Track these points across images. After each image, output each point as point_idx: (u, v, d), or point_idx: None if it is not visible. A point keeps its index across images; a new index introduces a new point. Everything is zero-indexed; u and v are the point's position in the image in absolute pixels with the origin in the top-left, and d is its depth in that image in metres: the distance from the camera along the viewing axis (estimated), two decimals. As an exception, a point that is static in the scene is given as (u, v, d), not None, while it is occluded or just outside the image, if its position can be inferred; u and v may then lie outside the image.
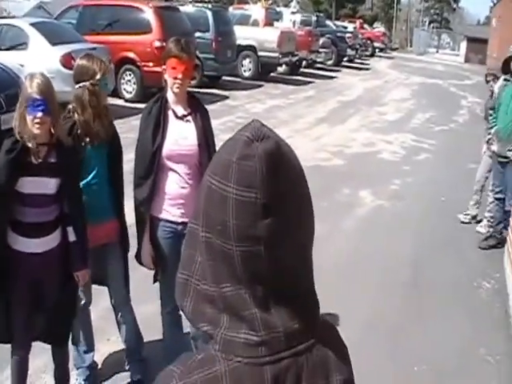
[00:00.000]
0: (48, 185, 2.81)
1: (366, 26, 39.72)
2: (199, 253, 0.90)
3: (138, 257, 3.28)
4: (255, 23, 18.88)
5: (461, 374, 3.94)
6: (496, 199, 6.05)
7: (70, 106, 3.08)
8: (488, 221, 6.38)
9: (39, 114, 2.66)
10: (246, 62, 18.11)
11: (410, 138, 11.74)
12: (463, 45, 47.18)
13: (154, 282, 3.34)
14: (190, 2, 17.94)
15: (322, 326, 0.97)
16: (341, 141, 11.00)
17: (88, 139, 3.06)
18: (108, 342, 3.86)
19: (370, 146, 10.91)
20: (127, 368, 3.55)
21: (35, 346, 3.11)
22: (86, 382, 3.47)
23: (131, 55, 12.58)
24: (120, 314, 3.45)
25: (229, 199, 0.83)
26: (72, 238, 2.95)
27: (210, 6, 17.61)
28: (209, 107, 3.48)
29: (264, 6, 21.78)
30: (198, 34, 14.45)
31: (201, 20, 15.53)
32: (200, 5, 17.80)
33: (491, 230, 6.23)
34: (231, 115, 12.10)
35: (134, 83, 12.75)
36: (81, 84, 3.04)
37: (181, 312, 3.29)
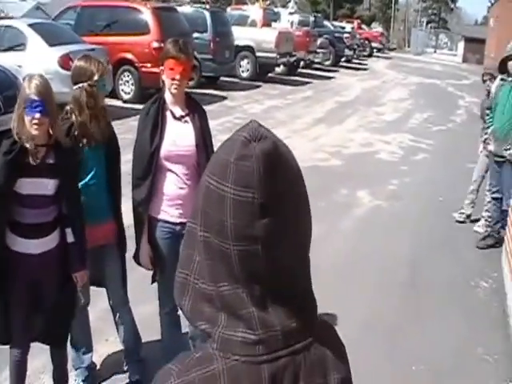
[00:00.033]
0: (47, 186, 2.82)
1: (363, 26, 39.77)
2: (197, 252, 0.91)
3: (136, 257, 3.29)
4: (253, 24, 18.90)
5: (459, 374, 3.95)
6: (493, 199, 6.06)
7: (68, 107, 3.09)
8: (486, 220, 6.40)
9: (37, 115, 2.66)
10: (244, 62, 18.12)
11: (408, 138, 11.75)
12: (461, 45, 47.27)
13: (153, 282, 3.35)
14: (188, 3, 17.95)
15: (320, 325, 0.98)
16: (339, 141, 11.01)
17: (85, 140, 3.07)
18: (106, 342, 3.87)
19: (368, 146, 10.92)
20: (125, 368, 3.55)
21: (34, 346, 3.11)
22: (85, 382, 3.47)
23: (129, 56, 12.59)
24: (118, 314, 3.46)
25: (226, 199, 0.84)
26: (70, 239, 2.95)
27: (207, 6, 17.65)
28: (207, 108, 3.49)
29: (262, 6, 21.79)
30: (195, 35, 14.46)
31: (199, 21, 15.55)
32: (198, 5, 17.84)
33: (489, 229, 6.25)
34: (229, 116, 12.10)
35: (132, 84, 12.75)
36: (79, 85, 3.04)
37: (179, 312, 3.32)
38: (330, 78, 21.98)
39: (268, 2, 32.30)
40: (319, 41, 23.28)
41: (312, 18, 25.49)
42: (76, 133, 3.04)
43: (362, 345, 3.82)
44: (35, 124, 2.68)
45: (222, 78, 16.91)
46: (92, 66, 3.05)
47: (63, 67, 9.66)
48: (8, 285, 2.87)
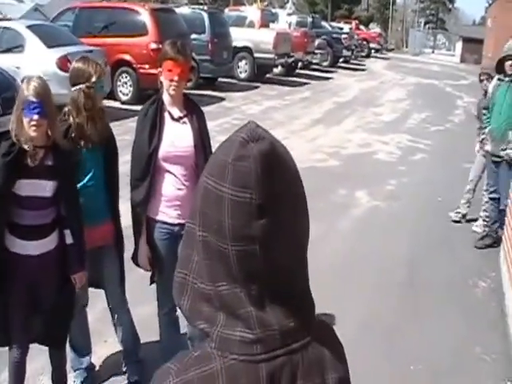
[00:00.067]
0: (45, 187, 2.82)
1: (361, 26, 39.78)
2: (196, 252, 0.92)
3: (134, 258, 3.29)
4: (251, 25, 18.91)
5: (457, 373, 3.96)
6: (491, 199, 6.08)
7: (66, 109, 3.09)
8: (484, 220, 6.41)
9: (35, 117, 2.67)
10: (242, 63, 18.13)
11: (406, 139, 11.77)
12: (459, 45, 47.33)
13: (151, 283, 3.35)
14: (186, 4, 17.96)
15: (318, 325, 0.98)
16: (336, 142, 11.02)
17: (82, 142, 3.07)
18: (105, 343, 3.87)
19: (366, 146, 10.93)
20: (124, 370, 3.56)
21: (33, 348, 3.11)
22: (84, 383, 3.48)
23: (127, 57, 12.59)
24: (116, 316, 3.46)
25: (224, 199, 0.85)
26: (69, 240, 2.96)
27: (205, 7, 17.66)
28: (205, 109, 3.50)
29: (260, 7, 21.82)
30: (193, 36, 14.47)
31: (197, 22, 15.56)
32: (196, 7, 17.86)
33: (487, 229, 6.27)
34: (227, 117, 12.11)
35: (130, 85, 12.76)
36: (76, 87, 3.05)
37: (178, 313, 3.32)
38: (327, 78, 21.99)
39: (266, 3, 32.30)
40: (317, 42, 23.28)
41: (310, 19, 25.53)
42: (73, 134, 3.05)
43: (360, 345, 3.83)
44: (33, 125, 2.69)
45: (220, 79, 16.92)
46: (90, 68, 3.06)
47: (61, 69, 9.65)
48: (7, 286, 2.87)
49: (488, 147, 6.03)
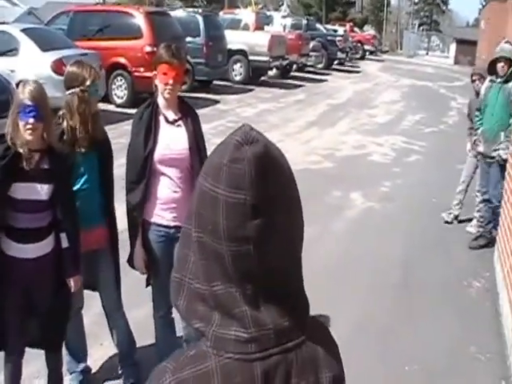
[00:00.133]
0: (41, 191, 2.83)
1: (356, 29, 39.85)
2: (192, 252, 0.94)
3: (130, 261, 3.30)
4: (246, 27, 18.95)
5: (452, 373, 3.98)
6: (484, 200, 6.11)
7: (61, 113, 3.10)
8: (478, 221, 6.44)
9: (31, 120, 2.68)
10: (237, 66, 18.15)
11: (400, 140, 11.81)
12: (453, 47, 47.41)
13: (147, 285, 3.36)
14: (181, 7, 17.97)
15: (313, 324, 1.00)
16: (331, 144, 11.05)
17: (77, 145, 3.08)
18: (101, 346, 3.87)
19: (361, 148, 10.96)
20: (120, 372, 3.56)
21: (28, 351, 3.12)
22: (80, 386, 3.48)
23: (122, 60, 12.59)
24: (112, 319, 3.46)
25: (219, 200, 0.87)
26: (65, 243, 2.96)
27: (200, 10, 17.67)
28: (200, 112, 3.52)
29: (254, 10, 21.85)
30: (188, 39, 14.48)
31: (191, 25, 15.57)
32: (191, 10, 17.86)
33: (481, 229, 6.29)
34: (222, 119, 12.12)
35: (125, 88, 12.76)
36: (71, 90, 3.06)
37: (173, 315, 3.33)
38: (322, 80, 22.03)
39: (260, 6, 32.37)
40: (312, 44, 23.34)
41: (304, 21, 25.56)
42: (66, 137, 3.05)
43: (354, 346, 3.85)
44: (29, 129, 2.69)
45: (215, 82, 16.94)
46: (84, 72, 3.07)
47: (56, 72, 9.65)
48: (3, 289, 2.87)
49: (480, 148, 6.06)
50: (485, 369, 4.05)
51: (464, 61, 39.37)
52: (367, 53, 36.60)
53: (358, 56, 33.13)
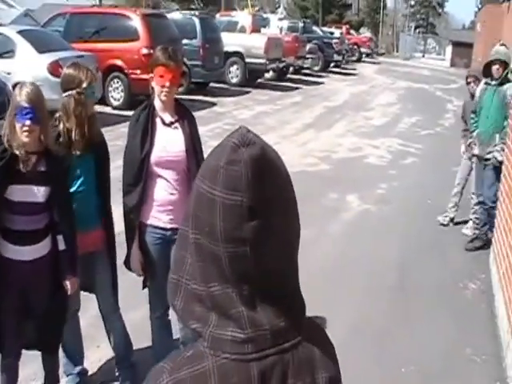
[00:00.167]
0: (37, 193, 2.83)
1: (352, 31, 39.90)
2: (189, 254, 0.94)
3: (127, 263, 3.30)
4: (242, 30, 18.96)
5: (448, 375, 3.99)
6: (480, 202, 6.13)
7: (57, 115, 3.11)
8: (473, 223, 6.46)
9: (27, 122, 2.68)
10: (234, 68, 18.16)
11: (397, 143, 11.83)
12: (449, 49, 47.55)
13: (144, 287, 3.37)
14: (178, 9, 17.98)
15: (309, 325, 1.01)
16: (327, 146, 11.07)
17: (72, 148, 3.08)
18: (98, 348, 3.87)
19: (357, 150, 10.98)
20: (117, 374, 3.56)
21: (25, 353, 3.12)
22: (76, 388, 3.48)
23: (119, 63, 12.59)
24: (108, 321, 3.46)
25: (216, 202, 0.88)
26: (62, 246, 2.96)
27: (197, 12, 17.68)
28: (196, 114, 3.52)
29: (251, 12, 21.88)
30: (185, 41, 14.49)
31: (188, 27, 15.58)
32: (187, 12, 17.87)
33: (477, 231, 6.32)
34: (219, 122, 12.13)
35: (122, 91, 12.75)
36: (68, 93, 3.07)
37: (170, 317, 3.34)
38: (319, 83, 22.06)
39: (257, 8, 32.41)
40: (308, 46, 23.38)
41: (301, 24, 25.61)
42: (64, 140, 3.05)
43: (351, 348, 3.86)
44: (26, 131, 2.70)
45: (212, 84, 16.94)
46: (81, 74, 3.07)
47: (53, 74, 9.64)
48: (-1, 291, 2.88)
49: (476, 151, 6.09)
50: (480, 370, 4.06)
51: (460, 63, 39.48)
52: (363, 55, 36.67)
53: (354, 58, 33.20)
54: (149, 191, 3.14)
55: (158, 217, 3.17)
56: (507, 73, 5.82)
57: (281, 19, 25.36)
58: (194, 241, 0.92)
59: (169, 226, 3.16)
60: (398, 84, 24.00)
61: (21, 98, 2.68)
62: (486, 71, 5.94)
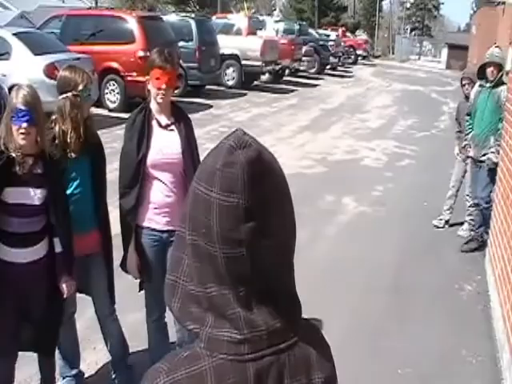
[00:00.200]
0: (34, 196, 2.83)
1: (348, 33, 40.00)
2: (186, 255, 0.95)
3: (123, 265, 3.30)
4: (238, 32, 18.99)
5: (443, 376, 4.00)
6: (475, 204, 6.15)
7: (53, 117, 3.11)
8: (469, 224, 6.49)
9: (24, 125, 2.68)
10: (230, 70, 18.18)
11: (393, 145, 11.86)
12: (444, 51, 47.72)
13: (140, 290, 3.37)
14: (174, 12, 17.98)
15: (305, 326, 1.02)
16: (323, 148, 11.08)
17: (68, 150, 3.08)
18: (94, 350, 3.87)
19: (353, 153, 11.00)
20: (113, 377, 3.55)
21: (21, 355, 3.11)
22: (73, 390, 3.47)
23: (115, 65, 12.59)
24: (105, 324, 3.46)
25: (213, 204, 0.88)
26: (58, 248, 2.96)
27: (193, 15, 17.70)
28: (193, 116, 3.53)
29: (247, 14, 21.91)
30: (181, 44, 14.50)
31: (184, 29, 15.59)
32: (183, 14, 17.89)
33: (472, 233, 6.34)
34: (215, 124, 12.14)
35: (118, 93, 12.75)
36: (64, 95, 3.07)
37: (166, 319, 3.34)
38: (315, 85, 22.11)
39: (253, 11, 32.46)
40: (304, 49, 23.41)
41: (297, 26, 25.65)
42: (59, 142, 3.05)
43: (347, 349, 3.86)
44: (22, 133, 2.70)
45: (208, 87, 16.96)
46: (77, 76, 3.07)
47: (49, 76, 9.64)
48: (-4, 294, 2.88)
49: (471, 153, 6.11)
50: (476, 372, 4.07)
51: (456, 65, 39.61)
52: (359, 57, 36.74)
53: (350, 61, 33.27)
54: (145, 193, 3.15)
55: (155, 219, 3.17)
56: (501, 75, 5.85)
57: (277, 22, 25.40)
58: (191, 242, 0.93)
59: (165, 228, 3.16)
60: (394, 86, 24.06)
61: (17, 100, 2.68)
62: (481, 73, 5.96)
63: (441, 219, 6.91)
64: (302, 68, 23.85)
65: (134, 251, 3.22)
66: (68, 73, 3.10)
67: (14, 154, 2.73)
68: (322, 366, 1.02)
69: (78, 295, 3.33)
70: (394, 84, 24.95)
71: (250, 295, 0.92)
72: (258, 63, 18.10)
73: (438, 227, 6.88)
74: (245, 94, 17.47)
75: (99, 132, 3.38)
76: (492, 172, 5.81)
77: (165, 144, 3.13)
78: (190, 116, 3.34)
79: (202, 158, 1.01)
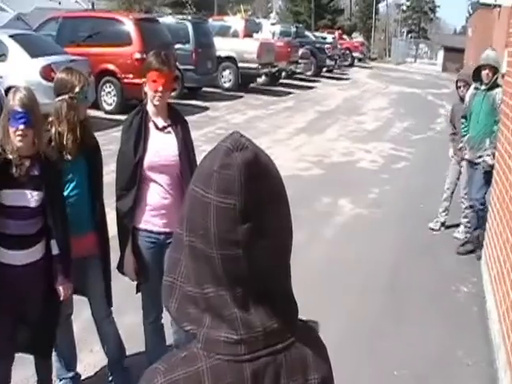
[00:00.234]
0: (30, 198, 2.83)
1: (344, 36, 40.09)
2: (183, 256, 0.96)
3: (120, 267, 3.31)
4: (235, 34, 19.03)
5: (440, 378, 4.01)
6: (471, 206, 6.17)
7: (50, 119, 3.11)
8: (465, 226, 6.50)
9: (21, 127, 2.69)
10: (226, 73, 18.20)
11: (389, 147, 11.88)
12: (440, 54, 47.85)
13: (137, 292, 3.37)
14: (170, 14, 18.00)
15: (301, 326, 1.03)
16: (320, 150, 11.10)
17: (64, 152, 3.08)
18: (91, 352, 3.87)
19: (349, 155, 11.03)
20: (110, 379, 3.55)
21: (18, 357, 3.10)
22: (69, 393, 3.47)
23: (111, 67, 12.60)
24: (101, 326, 3.45)
25: (210, 206, 0.89)
26: (55, 251, 2.96)
27: (189, 17, 17.71)
28: (189, 118, 3.53)
29: (243, 17, 21.94)
30: (178, 46, 14.50)
31: (181, 32, 15.60)
32: (180, 16, 17.89)
33: (468, 235, 6.35)
34: (212, 126, 12.15)
35: (115, 95, 12.75)
36: (60, 97, 3.07)
37: (163, 321, 3.34)
38: (311, 88, 22.14)
39: (250, 13, 32.49)
40: (301, 51, 23.46)
41: (293, 29, 25.72)
42: (55, 144, 3.06)
43: (343, 350, 3.87)
44: (19, 135, 2.70)
45: (205, 89, 16.98)
46: (73, 78, 3.08)
47: (45, 78, 9.63)
48: (-8, 296, 2.87)
49: (467, 155, 6.12)
50: (472, 373, 4.08)
51: (452, 68, 39.69)
52: (356, 60, 36.84)
53: (346, 63, 33.34)
54: (142, 196, 3.15)
55: (152, 221, 3.18)
56: (496, 78, 5.87)
57: (273, 24, 25.46)
58: (188, 243, 0.93)
59: (162, 230, 3.17)
60: (390, 89, 24.11)
61: (14, 102, 2.68)
62: (476, 76, 5.98)
63: (437, 221, 6.92)
64: (298, 70, 23.91)
65: (131, 253, 3.22)
66: (65, 75, 3.10)
67: (10, 156, 2.73)
68: (318, 367, 1.03)
69: (75, 297, 3.33)
70: (390, 86, 25.01)
71: (247, 296, 0.93)
72: (255, 65, 18.13)
73: (434, 230, 6.89)
74: (241, 97, 17.49)
75: (96, 134, 3.38)
76: (487, 174, 5.83)
77: (161, 146, 3.14)
78: (186, 118, 3.35)
79: (198, 159, 1.02)
